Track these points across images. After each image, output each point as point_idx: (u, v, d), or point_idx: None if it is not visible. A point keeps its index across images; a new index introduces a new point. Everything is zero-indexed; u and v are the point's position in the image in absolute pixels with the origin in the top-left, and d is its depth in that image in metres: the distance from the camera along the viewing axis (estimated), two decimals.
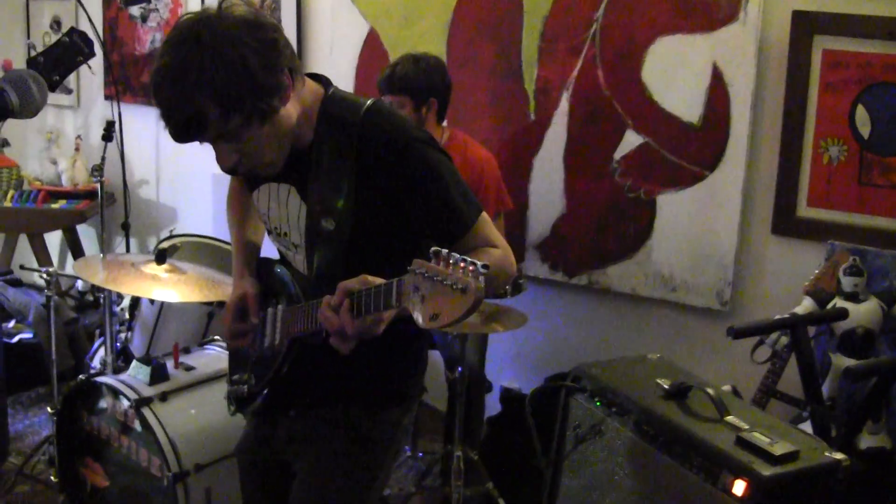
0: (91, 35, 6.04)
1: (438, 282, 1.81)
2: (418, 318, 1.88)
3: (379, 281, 2.08)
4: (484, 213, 2.43)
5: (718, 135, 4.31)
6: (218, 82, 2.15)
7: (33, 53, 3.22)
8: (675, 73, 4.41)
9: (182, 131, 2.23)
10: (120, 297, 4.84)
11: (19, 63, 6.74)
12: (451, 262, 1.81)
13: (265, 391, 2.67)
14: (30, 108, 1.80)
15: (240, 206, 2.96)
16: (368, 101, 2.44)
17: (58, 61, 3.06)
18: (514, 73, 4.89)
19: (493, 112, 5.01)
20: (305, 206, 2.47)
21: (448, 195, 2.36)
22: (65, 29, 6.84)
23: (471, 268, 1.78)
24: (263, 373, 2.65)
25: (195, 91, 2.15)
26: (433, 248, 1.85)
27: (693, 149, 4.39)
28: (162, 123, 2.26)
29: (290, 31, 5.59)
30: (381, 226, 2.41)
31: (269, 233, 2.71)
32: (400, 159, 2.33)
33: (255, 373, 2.71)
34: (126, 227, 5.44)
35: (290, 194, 2.52)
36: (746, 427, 2.72)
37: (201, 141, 2.30)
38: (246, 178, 2.69)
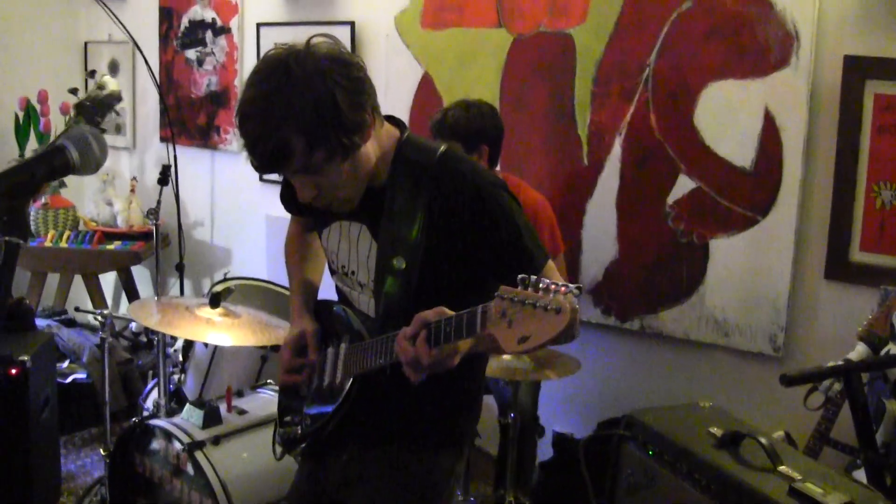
0: (147, 77, 6.19)
1: (529, 305, 1.84)
2: (505, 342, 1.89)
3: (456, 312, 2.10)
4: (550, 259, 2.49)
5: (771, 179, 4.29)
6: (306, 115, 2.20)
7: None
8: (728, 117, 4.40)
9: (266, 162, 2.29)
10: (174, 339, 4.87)
11: None
12: (540, 286, 1.84)
13: (318, 431, 2.66)
14: (90, 165, 1.83)
15: (299, 247, 3.00)
16: (443, 146, 2.49)
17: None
18: (567, 117, 4.91)
19: (546, 156, 5.02)
20: (376, 244, 2.50)
21: (520, 239, 2.40)
22: (123, 73, 7.01)
23: (563, 289, 1.81)
24: (320, 413, 2.66)
25: (282, 123, 2.20)
26: (520, 276, 1.88)
27: (745, 193, 4.37)
28: (244, 154, 2.33)
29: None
30: (451, 267, 2.45)
31: (333, 273, 2.74)
32: (473, 202, 2.39)
33: (309, 414, 2.72)
34: (180, 269, 5.48)
35: (361, 233, 2.56)
36: (799, 477, 2.69)
37: (282, 173, 2.39)
38: (318, 214, 2.70)
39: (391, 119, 2.57)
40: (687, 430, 3.07)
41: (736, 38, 4.33)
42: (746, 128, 4.34)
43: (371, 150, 2.40)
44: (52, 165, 1.76)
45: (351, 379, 2.55)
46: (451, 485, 2.69)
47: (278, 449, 2.87)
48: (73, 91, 6.29)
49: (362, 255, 2.56)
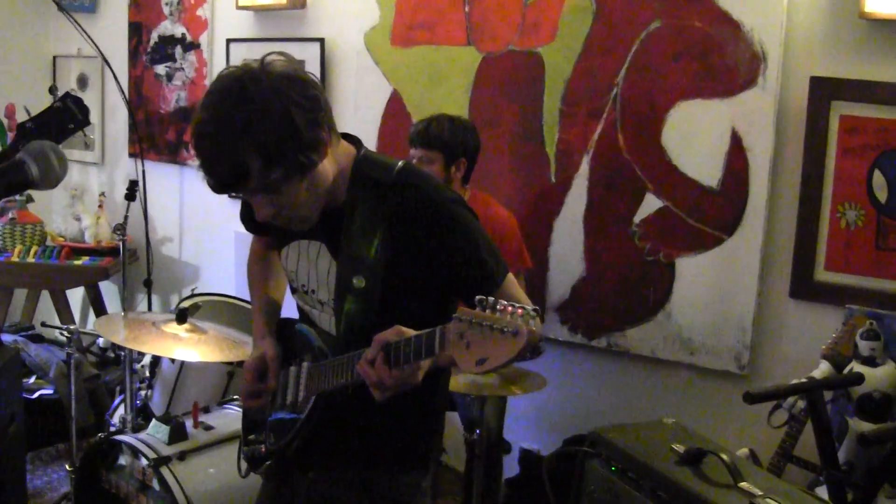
0: (116, 92, 6.17)
1: (487, 327, 1.84)
2: (463, 363, 1.90)
3: (412, 332, 2.12)
4: (510, 273, 2.49)
5: (737, 199, 4.33)
6: (262, 134, 2.17)
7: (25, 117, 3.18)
8: (695, 137, 4.44)
9: (223, 182, 2.26)
10: (141, 354, 4.86)
11: None
12: (498, 307, 1.85)
13: (283, 449, 2.63)
14: (50, 180, 1.82)
15: (262, 266, 2.97)
16: (400, 163, 2.49)
17: (47, 127, 3.02)
18: (536, 135, 4.93)
19: (514, 174, 5.04)
20: (336, 263, 2.50)
21: (478, 254, 2.42)
22: (92, 88, 6.99)
23: (520, 311, 1.82)
24: (283, 431, 2.63)
25: (239, 142, 2.18)
26: (478, 298, 1.89)
27: (712, 213, 4.41)
28: (200, 175, 2.29)
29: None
30: (411, 284, 2.45)
31: (294, 291, 2.72)
32: (432, 218, 2.40)
33: (273, 432, 2.70)
34: (148, 285, 5.48)
35: (321, 252, 2.55)
36: (760, 493, 2.70)
37: (240, 193, 2.35)
38: (276, 233, 2.70)
39: (347, 137, 2.55)
40: (650, 447, 3.08)
41: (704, 59, 4.37)
42: (713, 148, 4.38)
43: (329, 167, 2.39)
44: (10, 180, 1.77)
45: (313, 398, 2.53)
46: (417, 501, 2.67)
47: (243, 466, 2.85)
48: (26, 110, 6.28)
49: (322, 274, 2.56)
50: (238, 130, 2.18)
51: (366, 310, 2.42)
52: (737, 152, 4.32)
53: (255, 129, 2.17)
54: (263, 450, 2.73)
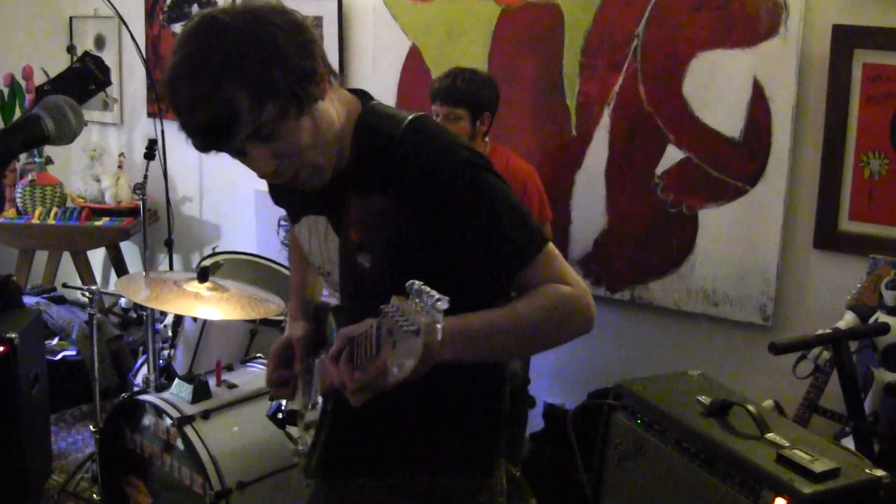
0: (134, 53, 6.14)
1: (399, 323, 1.51)
2: (392, 370, 1.56)
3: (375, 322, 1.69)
4: (551, 247, 2.03)
5: (760, 149, 4.29)
6: (245, 64, 1.83)
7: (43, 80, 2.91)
8: (716, 87, 4.39)
9: (208, 132, 1.90)
10: (163, 314, 4.86)
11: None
12: (417, 298, 1.52)
13: (311, 454, 2.39)
14: (66, 135, 1.77)
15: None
16: (411, 115, 2.08)
17: (67, 89, 2.83)
18: (556, 88, 4.90)
19: (535, 127, 5.01)
20: (339, 239, 2.18)
21: (500, 224, 1.99)
22: (110, 48, 6.97)
23: (427, 302, 1.50)
24: (315, 432, 2.39)
25: (221, 78, 1.82)
26: (408, 283, 1.55)
27: (734, 163, 4.37)
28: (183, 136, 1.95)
29: (332, 47, 5.60)
30: (425, 262, 2.00)
31: (318, 273, 2.42)
32: (445, 183, 1.98)
33: (307, 429, 2.44)
34: (169, 245, 5.45)
35: (328, 227, 2.21)
36: (787, 444, 2.70)
37: (230, 147, 1.94)
38: (289, 206, 2.40)
39: (354, 91, 2.20)
40: (675, 399, 3.07)
41: (725, 8, 4.32)
42: (735, 98, 4.34)
43: (332, 111, 2.03)
44: (26, 136, 1.74)
45: (326, 397, 2.29)
46: None
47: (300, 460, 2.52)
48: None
49: (333, 254, 2.22)
50: (216, 64, 1.83)
51: (372, 293, 2.03)
52: (759, 102, 4.27)
53: (234, 59, 1.82)
54: (301, 451, 2.46)
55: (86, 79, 3.22)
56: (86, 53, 2.93)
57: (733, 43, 4.31)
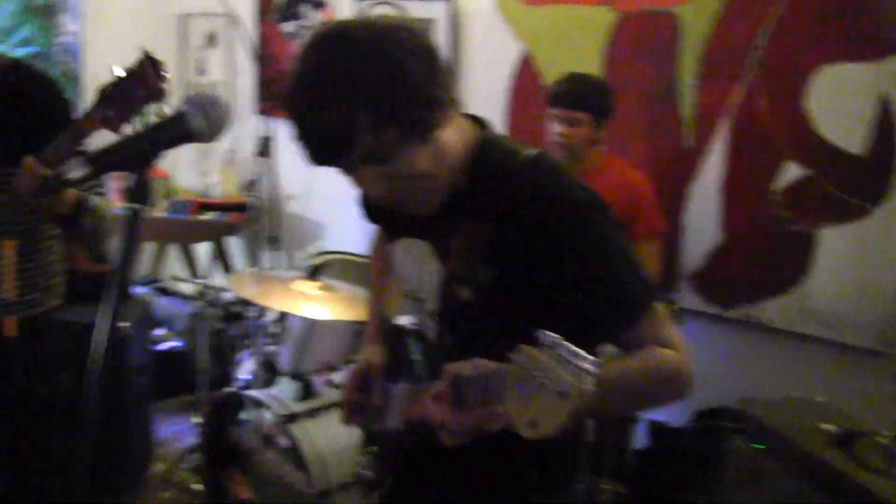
0: (244, 51, 6.17)
1: (538, 378, 1.44)
2: (517, 420, 1.48)
3: (494, 366, 1.61)
4: (659, 307, 1.98)
5: (884, 167, 4.15)
6: (369, 83, 1.78)
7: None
8: (840, 102, 4.26)
9: (323, 147, 1.86)
10: (266, 311, 4.88)
11: (174, 80, 6.90)
12: (554, 351, 1.44)
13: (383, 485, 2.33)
14: (212, 132, 1.75)
15: (382, 262, 2.63)
16: (533, 150, 2.05)
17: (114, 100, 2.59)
18: (669, 98, 4.81)
19: (646, 137, 4.92)
20: (441, 268, 2.11)
21: (614, 276, 1.93)
22: (221, 46, 7.02)
23: (578, 363, 1.41)
24: (389, 459, 2.34)
25: (342, 95, 1.78)
26: (540, 333, 1.47)
27: (856, 182, 4.24)
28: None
29: (442, 51, 5.58)
30: (528, 303, 1.98)
31: (407, 297, 2.34)
32: (560, 223, 1.92)
33: (380, 458, 2.39)
34: (274, 242, 5.48)
35: (427, 253, 2.16)
36: None
37: (343, 163, 1.92)
38: (388, 225, 2.36)
39: (470, 117, 2.12)
40: (798, 426, 2.99)
41: (853, 20, 4.19)
42: (859, 113, 4.20)
43: (451, 139, 1.97)
44: (173, 133, 1.73)
45: (404, 428, 2.21)
46: None
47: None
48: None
49: (429, 281, 2.16)
50: (340, 80, 1.78)
51: (470, 329, 2.04)
52: (884, 119, 4.15)
53: (359, 77, 1.78)
54: (372, 476, 2.42)
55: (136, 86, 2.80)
56: (146, 55, 2.53)
57: (859, 56, 4.18)
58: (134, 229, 1.61)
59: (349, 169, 1.93)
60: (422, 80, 1.83)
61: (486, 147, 2.05)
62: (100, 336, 1.71)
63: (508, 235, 1.95)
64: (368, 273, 2.70)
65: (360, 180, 1.95)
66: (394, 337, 2.44)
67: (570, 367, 1.41)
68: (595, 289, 1.92)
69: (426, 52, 1.88)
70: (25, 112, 3.11)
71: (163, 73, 2.38)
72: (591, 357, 1.41)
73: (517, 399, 1.47)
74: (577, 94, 4.16)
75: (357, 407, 2.38)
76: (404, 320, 2.63)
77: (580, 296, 1.93)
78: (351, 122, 1.79)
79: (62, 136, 2.64)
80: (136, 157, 1.68)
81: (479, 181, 2.01)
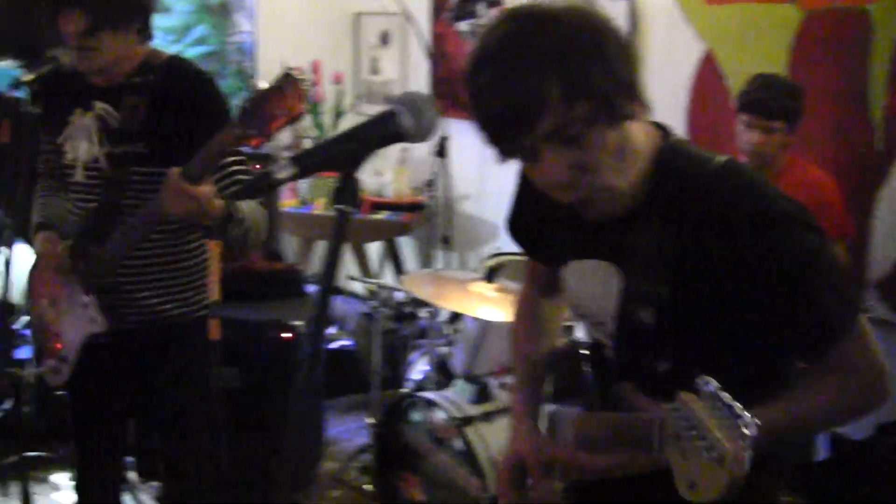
0: (418, 50, 6.20)
1: (696, 434, 1.35)
2: (676, 480, 1.39)
3: (650, 417, 1.55)
4: (863, 321, 1.83)
5: None
6: (563, 52, 1.64)
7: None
8: None
9: (507, 121, 1.70)
10: (439, 311, 4.89)
11: (348, 79, 6.99)
12: (713, 406, 1.34)
13: None
14: (423, 132, 1.70)
15: (529, 323, 2.39)
16: (723, 158, 1.86)
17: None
18: (858, 100, 4.64)
19: (832, 139, 4.76)
20: (623, 287, 1.93)
21: (819, 295, 1.77)
22: (394, 45, 7.07)
23: (737, 423, 1.31)
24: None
25: (533, 62, 1.65)
26: (700, 378, 1.39)
27: None
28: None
29: None
30: (717, 322, 1.83)
31: (583, 318, 2.14)
32: (761, 235, 1.75)
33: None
34: (447, 242, 5.47)
35: (610, 273, 1.95)
36: None
37: (527, 142, 1.72)
38: (551, 251, 2.14)
39: (654, 124, 1.94)
40: None
41: None
42: None
43: (639, 139, 1.82)
44: (383, 132, 1.70)
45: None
46: None
47: None
48: None
49: (611, 303, 1.96)
50: (530, 47, 1.65)
51: (651, 354, 1.88)
52: None
53: (552, 44, 1.65)
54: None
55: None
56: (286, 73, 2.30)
57: None
58: (340, 230, 1.58)
59: (531, 153, 1.74)
60: (616, 59, 1.69)
61: (672, 153, 1.88)
62: (308, 342, 1.70)
63: (700, 250, 1.79)
64: (513, 339, 2.42)
65: (541, 167, 1.75)
66: (565, 358, 2.24)
67: (727, 423, 1.32)
68: (797, 307, 1.77)
69: (621, 36, 1.74)
70: (188, 115, 2.99)
71: (303, 92, 2.31)
72: (747, 416, 1.33)
73: (677, 453, 1.40)
74: (773, 102, 4.02)
75: (512, 498, 2.12)
76: (578, 338, 2.48)
77: (779, 314, 1.78)
78: (539, 91, 1.64)
79: (203, 150, 2.59)
80: (345, 156, 1.64)
81: (666, 190, 1.84)
